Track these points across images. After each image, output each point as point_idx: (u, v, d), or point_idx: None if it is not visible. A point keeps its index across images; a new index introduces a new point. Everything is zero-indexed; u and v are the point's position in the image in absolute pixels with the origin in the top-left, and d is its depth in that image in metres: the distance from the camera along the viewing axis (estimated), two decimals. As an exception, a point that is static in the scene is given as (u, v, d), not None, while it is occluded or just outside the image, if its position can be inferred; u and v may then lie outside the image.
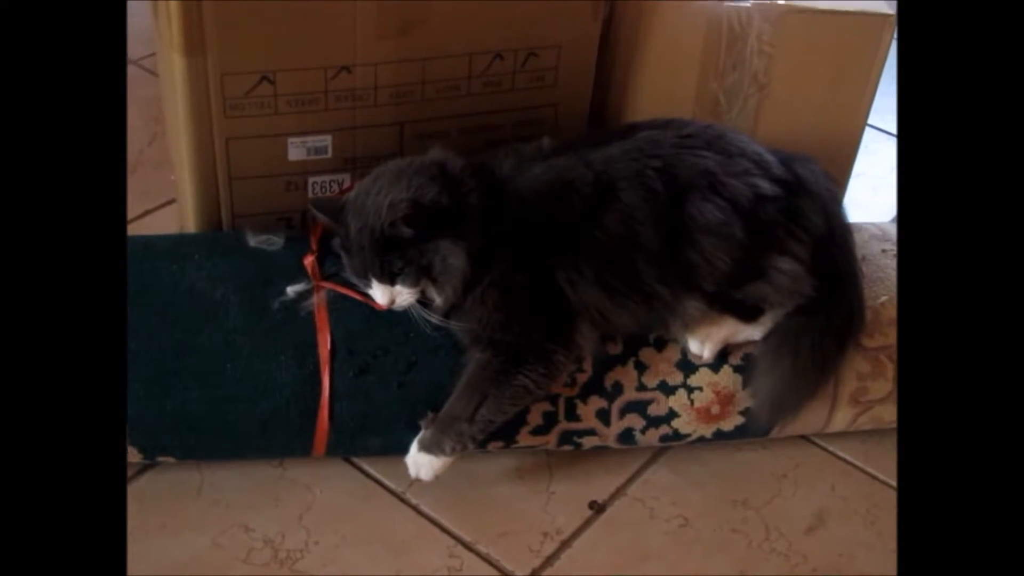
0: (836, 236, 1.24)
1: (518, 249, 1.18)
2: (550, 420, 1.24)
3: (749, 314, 1.22)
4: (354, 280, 1.21)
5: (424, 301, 1.20)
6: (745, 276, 1.19)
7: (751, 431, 1.30)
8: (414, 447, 1.20)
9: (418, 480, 1.21)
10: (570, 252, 1.17)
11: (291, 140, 1.31)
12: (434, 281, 1.17)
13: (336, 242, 1.23)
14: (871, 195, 1.79)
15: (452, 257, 1.15)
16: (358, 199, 1.19)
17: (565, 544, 1.23)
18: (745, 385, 1.26)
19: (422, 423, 1.20)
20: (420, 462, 1.20)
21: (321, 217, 1.24)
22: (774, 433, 1.31)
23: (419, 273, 1.16)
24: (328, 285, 1.23)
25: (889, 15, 1.39)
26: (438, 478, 1.21)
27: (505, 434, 1.25)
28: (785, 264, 1.19)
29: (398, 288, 1.17)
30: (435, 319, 1.18)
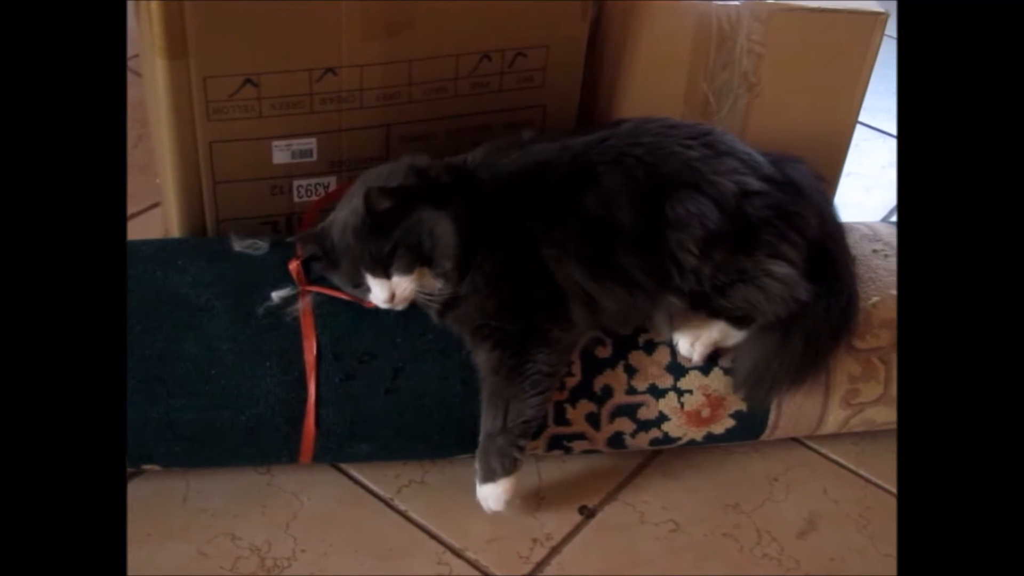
0: (832, 234, 1.23)
1: (500, 230, 1.16)
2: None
3: (740, 321, 1.20)
4: (352, 292, 1.19)
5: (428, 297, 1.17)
6: (731, 280, 1.17)
7: (742, 434, 1.29)
8: (476, 484, 1.19)
9: (497, 513, 1.19)
10: (553, 228, 1.16)
11: (275, 143, 1.29)
12: (429, 262, 1.15)
13: (320, 267, 1.21)
14: (863, 194, 1.78)
15: (438, 227, 1.14)
16: (336, 215, 1.19)
17: (555, 550, 1.22)
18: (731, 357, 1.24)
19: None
20: (485, 495, 1.19)
21: (310, 248, 1.21)
22: (765, 436, 1.30)
23: (410, 254, 1.14)
24: (315, 288, 1.22)
25: (880, 13, 1.38)
26: (507, 503, 1.19)
27: (494, 439, 1.24)
28: (779, 268, 1.17)
29: (395, 280, 1.15)
30: (440, 301, 1.17)
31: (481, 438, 1.18)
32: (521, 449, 1.18)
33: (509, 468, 1.17)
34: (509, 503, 1.19)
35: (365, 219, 1.14)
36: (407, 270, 1.14)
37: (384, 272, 1.15)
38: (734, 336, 1.21)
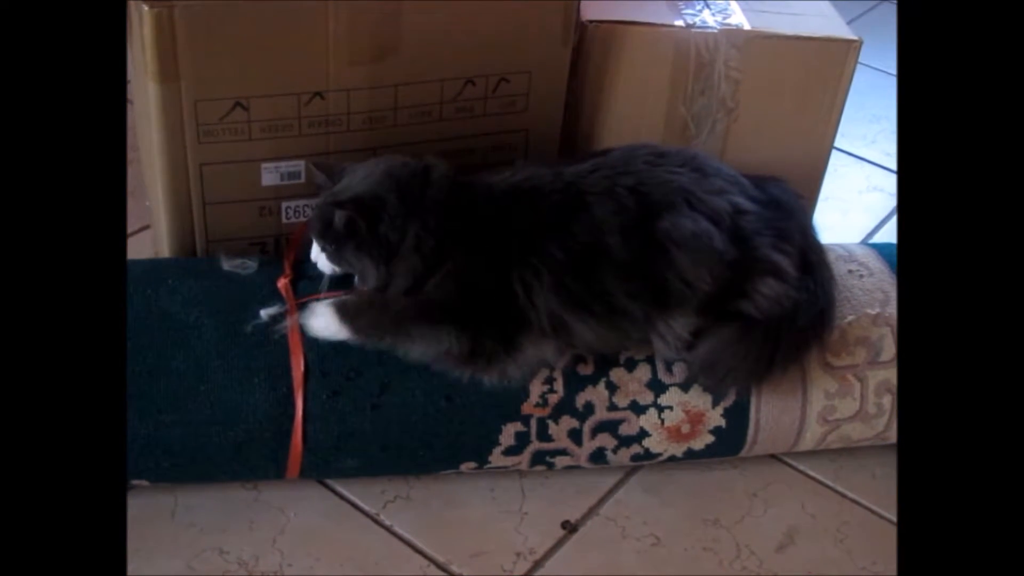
0: (813, 245, 1.27)
1: (476, 248, 1.19)
2: (523, 440, 1.25)
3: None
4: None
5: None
6: (727, 295, 1.20)
7: (721, 450, 1.31)
8: (332, 310, 1.19)
9: (325, 332, 1.20)
10: (531, 255, 1.18)
11: (264, 165, 1.32)
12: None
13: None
14: (840, 217, 1.82)
15: (366, 267, 1.21)
16: (351, 180, 1.23)
17: (538, 564, 1.24)
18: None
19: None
20: (336, 329, 1.20)
21: (318, 175, 1.26)
22: (744, 452, 1.33)
23: (339, 256, 1.22)
24: (305, 298, 1.24)
25: (853, 40, 1.43)
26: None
27: (477, 455, 1.26)
28: (767, 289, 1.20)
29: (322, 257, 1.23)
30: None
31: (382, 299, 1.20)
32: (373, 342, 1.20)
33: (356, 338, 1.20)
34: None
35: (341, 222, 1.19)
36: (336, 261, 1.22)
37: (324, 248, 1.22)
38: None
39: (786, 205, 1.25)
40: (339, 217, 1.18)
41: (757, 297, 1.20)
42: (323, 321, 1.20)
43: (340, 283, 1.26)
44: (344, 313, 1.20)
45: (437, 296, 1.19)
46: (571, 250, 1.17)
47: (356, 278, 1.25)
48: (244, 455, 1.21)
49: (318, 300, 1.23)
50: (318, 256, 1.24)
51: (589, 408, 1.26)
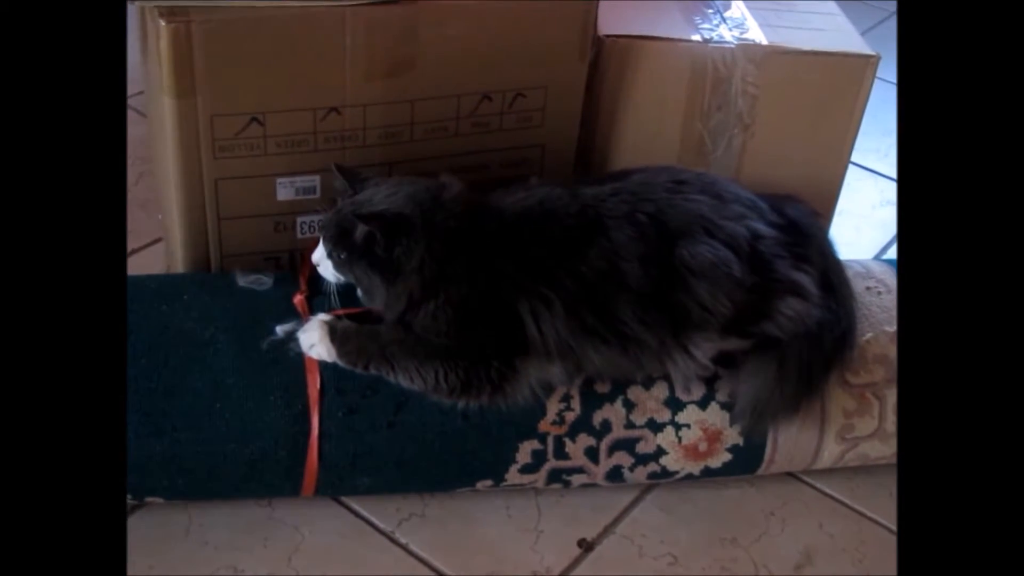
0: (832, 265, 1.27)
1: (480, 275, 1.18)
2: (539, 458, 1.25)
3: (748, 335, 1.22)
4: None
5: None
6: (749, 318, 1.19)
7: (738, 468, 1.31)
8: (324, 329, 1.20)
9: (311, 350, 1.20)
10: (542, 282, 1.16)
11: (280, 180, 1.32)
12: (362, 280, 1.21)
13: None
14: (855, 233, 1.81)
15: (374, 284, 1.19)
16: (375, 193, 1.21)
17: (554, 583, 1.23)
18: (729, 389, 1.26)
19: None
20: (323, 349, 1.20)
21: (340, 179, 1.25)
22: (761, 470, 1.32)
23: (348, 267, 1.20)
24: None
25: (871, 55, 1.42)
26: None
27: (494, 473, 1.25)
28: (789, 309, 1.19)
29: (329, 264, 1.21)
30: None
31: (374, 329, 1.20)
32: (364, 369, 1.19)
33: (346, 362, 1.20)
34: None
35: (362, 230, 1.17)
36: (343, 271, 1.21)
37: (332, 254, 1.20)
38: (739, 344, 1.23)
39: (804, 227, 1.25)
40: (361, 231, 1.17)
41: (780, 318, 1.20)
42: (312, 337, 1.20)
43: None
44: (333, 334, 1.19)
45: (426, 332, 1.18)
46: (584, 277, 1.16)
47: (359, 291, 1.24)
48: (259, 472, 1.20)
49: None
50: (321, 259, 1.22)
51: (606, 426, 1.25)
